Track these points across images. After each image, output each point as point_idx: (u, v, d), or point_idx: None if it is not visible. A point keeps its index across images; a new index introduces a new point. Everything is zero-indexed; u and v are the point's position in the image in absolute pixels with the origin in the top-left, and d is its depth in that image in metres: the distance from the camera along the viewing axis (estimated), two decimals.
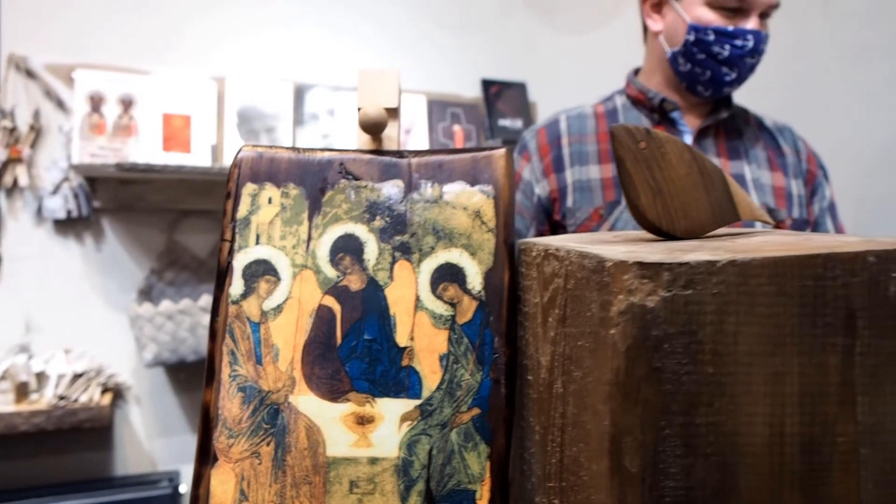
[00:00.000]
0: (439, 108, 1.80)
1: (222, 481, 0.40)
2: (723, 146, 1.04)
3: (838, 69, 1.78)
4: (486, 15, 1.97)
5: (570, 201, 1.01)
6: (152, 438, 1.67)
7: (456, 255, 0.42)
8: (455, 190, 0.44)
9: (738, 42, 0.94)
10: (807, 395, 0.29)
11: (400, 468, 0.40)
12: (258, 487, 0.40)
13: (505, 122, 1.96)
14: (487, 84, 1.97)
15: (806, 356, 0.29)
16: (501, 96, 1.99)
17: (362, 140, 0.47)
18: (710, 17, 0.95)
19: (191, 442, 1.65)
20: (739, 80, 0.99)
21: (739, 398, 0.29)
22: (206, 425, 0.40)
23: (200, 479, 0.40)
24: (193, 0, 1.65)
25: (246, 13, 1.66)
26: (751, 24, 0.95)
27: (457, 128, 1.82)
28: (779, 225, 1.04)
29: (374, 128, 0.45)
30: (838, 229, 1.09)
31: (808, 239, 0.35)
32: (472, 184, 0.44)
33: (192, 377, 1.66)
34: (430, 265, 0.42)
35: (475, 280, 0.42)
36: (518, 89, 2.02)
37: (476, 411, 0.41)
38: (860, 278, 0.30)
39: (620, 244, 0.35)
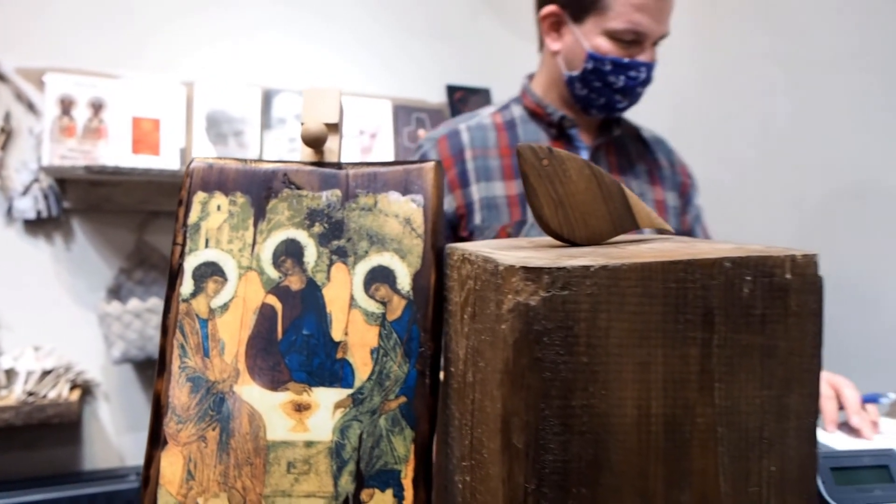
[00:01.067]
0: (404, 113, 1.83)
1: (171, 462, 0.43)
2: (614, 162, 1.09)
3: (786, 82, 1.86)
4: (452, 21, 2.01)
5: (477, 219, 1.02)
6: (120, 434, 1.68)
7: (387, 259, 0.46)
8: (388, 199, 0.48)
9: (633, 73, 0.99)
10: (670, 381, 0.34)
11: (333, 451, 0.44)
12: (204, 468, 0.43)
13: None
14: (452, 90, 2.01)
15: (669, 348, 0.34)
16: (466, 102, 2.03)
17: (305, 153, 0.51)
18: (608, 48, 0.99)
19: None
20: (630, 106, 1.05)
21: (610, 384, 0.33)
22: (156, 412, 0.44)
23: (151, 460, 0.43)
24: (164, 7, 1.66)
25: (216, 20, 1.68)
26: (645, 55, 1.00)
27: (422, 132, 1.86)
28: None
29: (315, 142, 0.49)
30: (705, 234, 1.16)
31: (685, 246, 0.40)
32: (404, 193, 0.48)
33: None
34: (363, 267, 0.46)
35: (404, 281, 0.46)
36: (482, 95, 2.07)
37: (403, 399, 0.45)
38: (717, 281, 0.34)
39: (522, 250, 0.39)
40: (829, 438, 0.77)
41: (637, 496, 0.34)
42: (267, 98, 1.61)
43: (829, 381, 0.90)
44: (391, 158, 1.77)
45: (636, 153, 1.12)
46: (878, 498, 0.53)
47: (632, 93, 1.02)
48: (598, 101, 1.03)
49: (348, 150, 1.68)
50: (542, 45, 1.10)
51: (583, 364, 0.33)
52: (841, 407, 0.85)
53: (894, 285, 1.34)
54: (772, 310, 0.35)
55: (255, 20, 1.70)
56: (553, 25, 1.06)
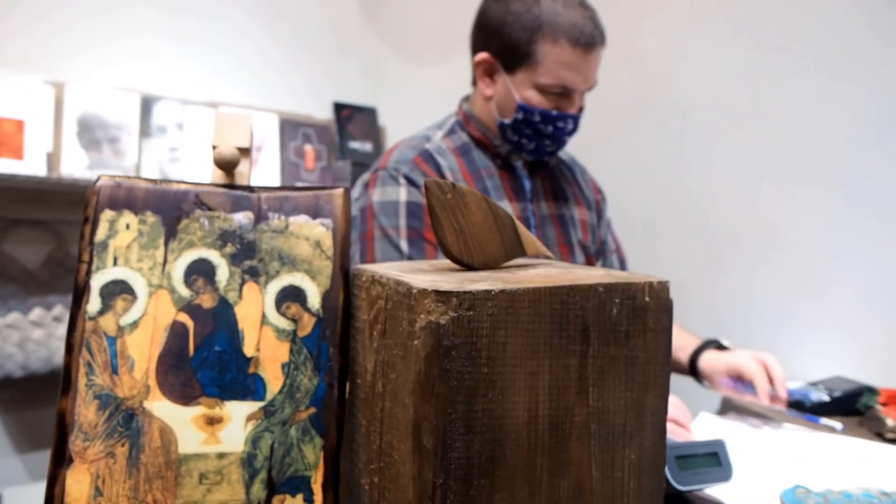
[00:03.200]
0: (291, 128, 1.82)
1: (77, 480, 0.43)
2: (549, 189, 1.17)
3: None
4: (339, 40, 2.03)
5: None
6: None
7: (298, 279, 0.49)
8: (299, 222, 0.50)
9: (560, 124, 1.05)
10: (554, 387, 0.40)
11: (245, 461, 0.45)
12: (112, 484, 0.43)
13: (355, 145, 2.03)
14: (339, 107, 2.03)
15: (554, 359, 0.40)
16: (352, 119, 2.05)
17: (216, 175, 0.52)
18: (538, 100, 1.03)
19: (16, 464, 1.52)
20: (557, 150, 1.12)
21: (506, 390, 0.38)
22: (61, 431, 0.43)
23: (55, 479, 0.42)
24: (33, 2, 1.54)
25: (93, 20, 1.58)
26: (573, 107, 1.06)
27: (308, 148, 1.86)
28: (589, 258, 1.20)
29: (227, 165, 0.50)
30: (615, 242, 1.28)
31: (564, 272, 0.46)
32: (314, 217, 0.51)
33: (20, 395, 1.53)
34: (275, 287, 0.48)
35: (314, 300, 0.49)
36: (368, 114, 2.10)
37: (312, 410, 0.47)
38: (592, 303, 0.41)
39: (428, 274, 0.44)
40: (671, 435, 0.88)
41: (526, 485, 0.39)
42: (146, 105, 1.54)
43: (758, 358, 1.07)
44: (277, 172, 1.75)
45: (563, 179, 1.20)
46: (711, 478, 0.64)
47: (559, 140, 1.08)
48: (529, 146, 1.09)
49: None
50: (475, 80, 1.14)
51: (484, 374, 0.38)
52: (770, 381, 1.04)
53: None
54: (634, 326, 0.42)
55: (137, 24, 1.62)
56: (486, 71, 1.09)
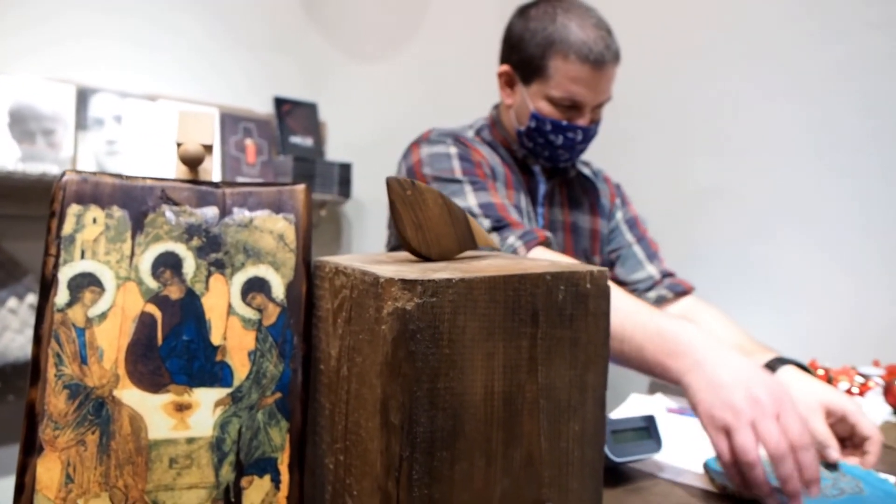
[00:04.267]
0: (232, 122, 1.80)
1: (48, 468, 0.43)
2: (565, 198, 1.25)
3: None
4: (280, 34, 2.01)
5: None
6: None
7: (263, 270, 0.51)
8: (263, 216, 0.52)
9: (570, 135, 1.12)
10: (507, 366, 0.43)
11: (214, 445, 0.47)
12: (84, 471, 0.44)
13: (296, 140, 2.02)
14: (280, 102, 2.01)
15: (507, 341, 0.43)
16: (293, 114, 2.04)
17: (180, 171, 0.53)
18: (549, 111, 1.11)
19: None
20: (572, 159, 1.19)
21: (465, 370, 0.42)
22: (31, 420, 0.44)
23: (26, 468, 0.43)
24: None
25: (25, 10, 1.52)
26: (583, 119, 1.11)
27: (249, 142, 1.84)
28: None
29: (193, 162, 0.52)
30: (641, 232, 1.31)
31: (514, 262, 0.50)
32: (277, 212, 0.53)
33: None
34: (240, 278, 0.50)
35: (279, 290, 0.51)
36: (309, 109, 2.09)
37: (278, 395, 0.49)
38: (541, 290, 0.45)
39: (391, 265, 0.46)
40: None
41: (483, 455, 0.42)
42: (82, 97, 1.49)
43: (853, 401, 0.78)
44: (218, 166, 1.72)
45: (581, 189, 1.28)
46: (643, 449, 0.69)
47: (572, 150, 1.15)
48: (543, 153, 1.16)
49: (173, 156, 1.62)
50: (500, 92, 1.22)
51: (445, 355, 0.41)
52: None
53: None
54: (577, 311, 0.46)
55: (72, 14, 1.56)
56: (507, 82, 1.18)
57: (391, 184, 0.48)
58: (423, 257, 0.50)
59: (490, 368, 0.43)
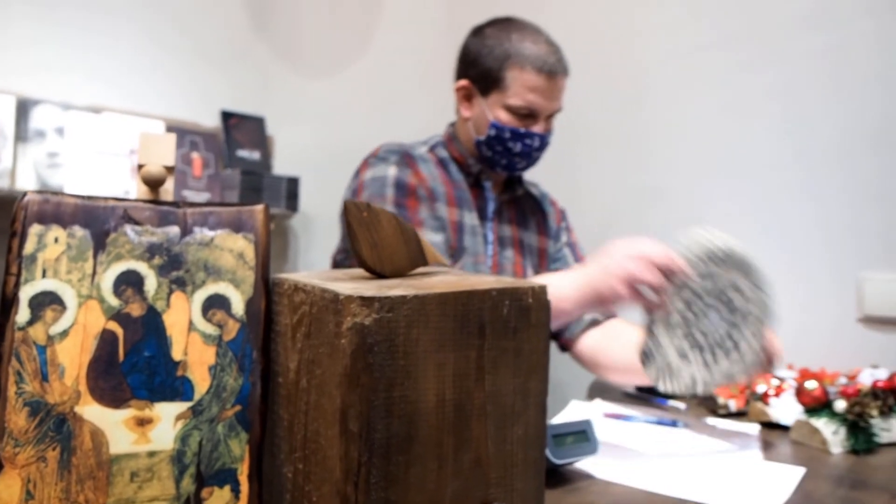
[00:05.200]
0: (178, 135, 1.77)
1: (8, 486, 0.44)
2: (514, 216, 1.31)
3: None
4: (227, 48, 2.00)
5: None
6: None
7: (223, 287, 0.52)
8: (223, 235, 0.54)
9: (528, 141, 1.18)
10: (457, 375, 0.47)
11: (175, 458, 0.48)
12: (44, 487, 0.45)
13: (243, 153, 2.00)
14: (227, 115, 2.00)
15: (457, 352, 0.47)
16: (240, 128, 2.03)
17: (142, 191, 0.54)
18: (507, 119, 1.17)
19: None
20: (528, 167, 1.25)
21: (419, 379, 0.45)
22: None
23: None
24: None
25: None
26: (538, 127, 1.19)
27: (195, 155, 1.82)
28: None
29: (155, 183, 0.53)
30: (579, 259, 1.39)
31: (461, 279, 0.53)
32: (237, 231, 0.54)
33: None
34: (201, 295, 0.52)
35: (238, 307, 0.52)
36: (256, 123, 2.08)
37: (238, 408, 0.51)
38: (488, 304, 0.48)
39: (348, 282, 0.49)
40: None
41: (435, 459, 0.45)
42: (23, 108, 1.44)
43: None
44: None
45: (529, 209, 1.34)
46: (581, 451, 0.74)
47: (528, 157, 1.21)
48: (501, 161, 1.21)
49: (118, 170, 1.58)
50: (458, 107, 1.27)
51: (401, 366, 0.44)
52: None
53: None
54: (520, 323, 0.50)
55: (14, 24, 1.51)
56: (465, 96, 1.23)
57: (348, 206, 0.50)
58: (378, 274, 0.53)
59: (441, 378, 0.46)
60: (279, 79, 2.12)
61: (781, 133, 1.45)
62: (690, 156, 1.60)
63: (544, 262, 1.34)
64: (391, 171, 1.17)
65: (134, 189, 1.60)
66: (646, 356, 0.85)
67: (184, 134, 1.80)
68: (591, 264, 0.96)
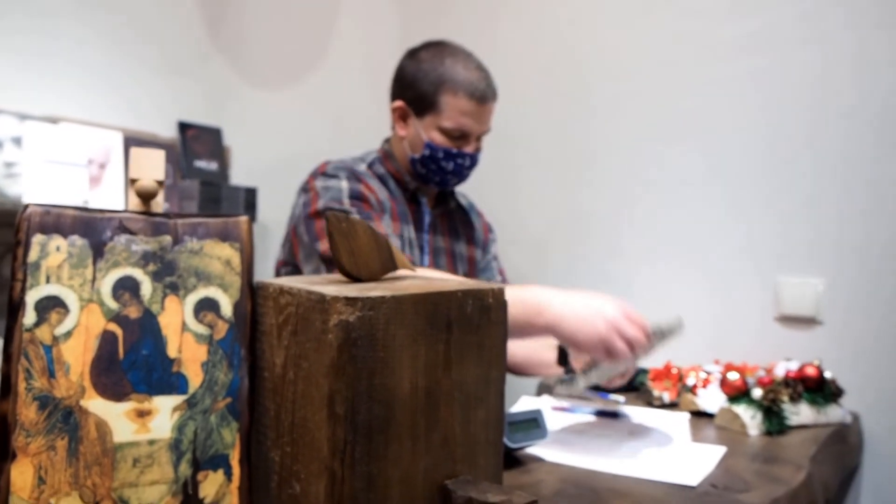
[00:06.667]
0: (135, 146, 1.77)
1: (21, 472, 0.47)
2: (446, 228, 1.39)
3: None
4: (184, 60, 2.00)
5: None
6: None
7: (212, 291, 0.57)
8: (211, 244, 0.58)
9: (460, 161, 1.26)
10: (428, 366, 0.53)
11: (172, 445, 0.52)
12: (55, 473, 0.48)
13: (200, 164, 2.01)
14: (184, 126, 2.00)
15: (428, 345, 0.53)
16: (197, 139, 2.03)
17: (133, 203, 0.58)
18: (441, 140, 1.25)
19: None
20: (459, 183, 1.33)
21: (395, 369, 0.50)
22: (3, 430, 0.47)
23: (0, 473, 0.46)
24: None
25: None
26: (470, 147, 1.27)
27: None
28: None
29: (147, 196, 0.57)
30: (501, 272, 1.49)
31: (429, 282, 0.59)
32: (224, 240, 0.59)
33: None
34: (193, 299, 0.56)
35: (227, 309, 0.57)
36: (214, 134, 2.09)
37: (229, 400, 0.55)
38: (454, 304, 0.54)
39: (330, 285, 0.54)
40: None
41: (410, 438, 0.51)
42: None
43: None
44: (121, 190, 1.69)
45: (460, 221, 1.42)
46: (532, 437, 0.81)
47: (460, 174, 1.29)
48: (434, 178, 1.28)
49: (76, 180, 1.57)
50: (394, 125, 1.32)
51: (380, 357, 0.49)
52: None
53: None
54: (482, 320, 0.56)
55: None
56: (401, 116, 1.29)
57: (330, 218, 0.56)
58: (355, 278, 0.58)
59: (415, 367, 0.52)
60: (236, 90, 2.14)
61: (703, 153, 1.58)
62: (624, 173, 1.71)
63: (473, 270, 1.43)
64: (343, 185, 1.23)
65: (91, 198, 1.59)
66: (560, 383, 0.94)
67: (141, 145, 1.79)
68: (570, 307, 0.90)
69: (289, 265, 1.29)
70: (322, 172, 1.27)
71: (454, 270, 1.37)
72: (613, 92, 1.73)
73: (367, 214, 1.19)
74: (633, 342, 0.88)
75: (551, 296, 0.93)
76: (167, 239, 0.56)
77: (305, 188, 1.26)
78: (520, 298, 0.92)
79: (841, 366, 1.30)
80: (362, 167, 1.31)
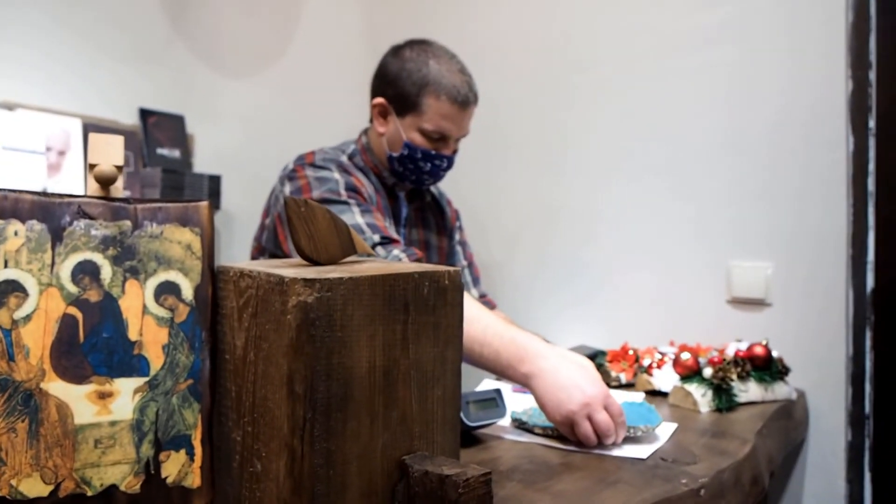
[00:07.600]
0: (95, 133, 1.74)
1: None
2: (419, 220, 1.41)
3: None
4: (145, 46, 1.96)
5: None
6: None
7: (173, 275, 0.57)
8: (171, 228, 0.59)
9: (437, 162, 1.27)
10: (386, 345, 0.54)
11: (134, 426, 0.53)
12: (15, 454, 0.48)
13: (163, 151, 1.98)
14: (146, 113, 1.96)
15: (385, 326, 0.54)
16: (159, 126, 2.00)
17: (93, 188, 0.58)
18: (420, 141, 1.25)
19: None
20: (434, 183, 1.35)
21: (353, 349, 0.52)
22: None
23: None
24: None
25: None
26: (448, 149, 1.28)
27: None
28: None
29: (107, 181, 0.57)
30: (468, 257, 1.51)
31: (387, 265, 0.61)
32: (184, 224, 0.59)
33: None
34: (153, 282, 0.56)
35: (188, 292, 0.57)
36: (176, 121, 2.06)
37: (190, 382, 0.56)
38: (411, 286, 0.56)
39: (289, 268, 0.56)
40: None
41: (368, 415, 0.53)
42: None
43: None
44: (81, 178, 1.65)
45: (431, 212, 1.44)
46: (492, 415, 0.83)
47: (436, 175, 1.31)
48: (411, 177, 1.30)
49: (33, 167, 1.54)
50: (372, 118, 1.32)
51: (338, 337, 0.51)
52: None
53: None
54: (438, 301, 0.58)
55: None
56: (381, 113, 1.29)
57: (289, 202, 0.57)
58: (314, 262, 0.60)
59: (372, 347, 0.53)
60: (198, 77, 2.10)
61: (666, 143, 1.62)
62: (593, 163, 1.75)
63: (443, 258, 1.46)
64: (338, 177, 1.23)
65: (50, 186, 1.56)
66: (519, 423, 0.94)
67: (101, 131, 1.76)
68: (554, 372, 0.84)
69: (266, 253, 1.29)
70: (310, 163, 1.26)
71: (426, 260, 1.38)
72: (583, 83, 1.76)
73: (366, 207, 1.19)
74: (602, 431, 0.83)
75: (543, 351, 0.86)
76: (127, 224, 0.57)
77: (292, 176, 1.24)
78: (513, 340, 0.88)
79: (788, 345, 1.36)
80: (344, 158, 1.31)
